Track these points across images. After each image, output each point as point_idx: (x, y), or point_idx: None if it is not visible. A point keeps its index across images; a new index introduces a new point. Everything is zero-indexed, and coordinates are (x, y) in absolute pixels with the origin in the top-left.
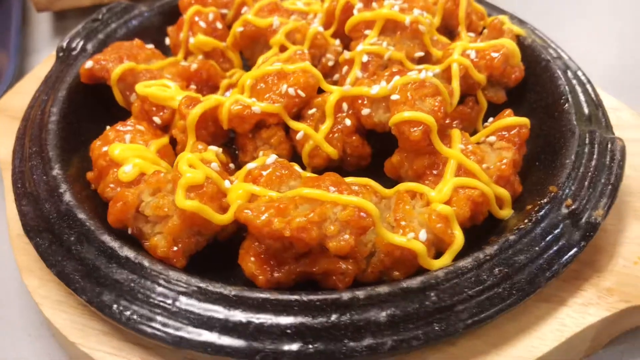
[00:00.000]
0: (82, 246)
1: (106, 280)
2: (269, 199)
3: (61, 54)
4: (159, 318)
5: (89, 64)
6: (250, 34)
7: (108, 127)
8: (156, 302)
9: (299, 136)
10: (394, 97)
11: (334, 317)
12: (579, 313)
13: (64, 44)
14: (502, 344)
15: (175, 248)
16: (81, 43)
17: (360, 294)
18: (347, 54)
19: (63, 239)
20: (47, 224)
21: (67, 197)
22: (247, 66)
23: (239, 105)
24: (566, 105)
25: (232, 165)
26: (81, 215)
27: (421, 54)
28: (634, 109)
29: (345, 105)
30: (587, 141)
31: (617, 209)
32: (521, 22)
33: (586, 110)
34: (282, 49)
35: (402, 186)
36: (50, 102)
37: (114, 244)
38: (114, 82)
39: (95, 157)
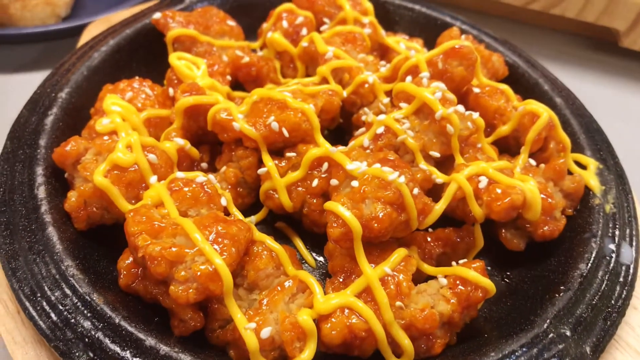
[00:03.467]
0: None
1: None
2: (165, 214)
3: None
4: None
5: (157, 15)
6: (310, 53)
7: (136, 77)
8: None
9: (261, 170)
10: (354, 183)
11: None
12: None
13: None
14: None
15: (82, 211)
16: None
17: None
18: (370, 117)
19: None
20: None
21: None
22: None
23: (225, 114)
24: (560, 295)
25: (204, 165)
26: (42, 142)
27: (437, 155)
28: None
29: (325, 166)
30: (539, 345)
31: None
32: (620, 177)
33: (583, 314)
34: (326, 81)
35: (301, 274)
36: (110, 38)
37: (39, 179)
38: (169, 41)
39: (99, 97)
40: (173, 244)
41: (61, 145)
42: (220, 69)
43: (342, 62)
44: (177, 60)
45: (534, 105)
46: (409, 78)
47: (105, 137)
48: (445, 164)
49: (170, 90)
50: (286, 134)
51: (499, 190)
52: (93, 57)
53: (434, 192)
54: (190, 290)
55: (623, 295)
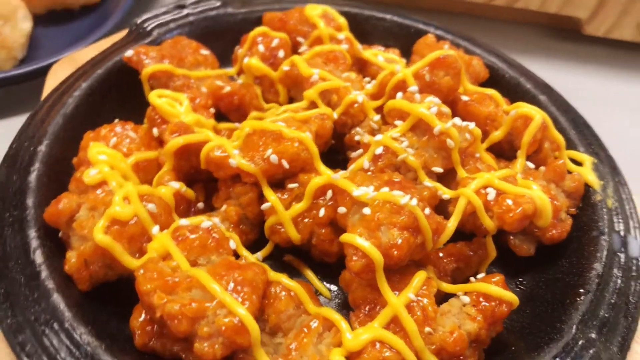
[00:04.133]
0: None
1: None
2: (175, 266)
3: (132, 29)
4: None
5: (129, 53)
6: (293, 76)
7: (117, 120)
8: None
9: (265, 206)
10: (366, 210)
11: None
12: None
13: (138, 21)
14: None
15: (84, 271)
16: (152, 25)
17: None
18: (366, 138)
19: None
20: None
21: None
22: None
23: (219, 151)
24: (580, 298)
25: (200, 205)
26: (29, 202)
27: (440, 170)
28: None
29: (329, 193)
30: (572, 354)
31: None
32: (614, 169)
33: (605, 314)
34: (314, 104)
35: (325, 311)
36: (85, 76)
37: (33, 242)
38: (144, 79)
39: (81, 147)
40: (191, 299)
41: (52, 204)
42: (203, 102)
43: (329, 84)
44: (158, 98)
45: (525, 108)
46: (399, 94)
47: (99, 191)
48: (447, 177)
49: (155, 131)
50: (286, 165)
51: (509, 202)
52: (67, 104)
53: (440, 207)
54: (217, 346)
55: (638, 289)
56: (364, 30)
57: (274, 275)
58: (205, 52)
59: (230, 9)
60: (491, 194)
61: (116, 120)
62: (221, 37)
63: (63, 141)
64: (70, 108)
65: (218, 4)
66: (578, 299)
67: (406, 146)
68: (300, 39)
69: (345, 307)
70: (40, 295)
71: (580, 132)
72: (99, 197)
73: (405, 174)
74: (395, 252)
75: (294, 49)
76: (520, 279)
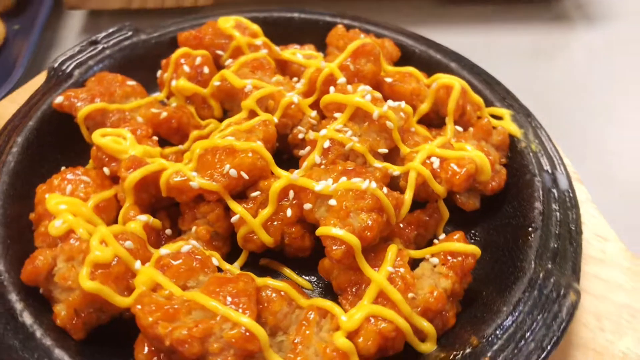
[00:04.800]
0: None
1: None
2: (169, 294)
3: (50, 74)
4: None
5: (59, 99)
6: (226, 90)
7: (63, 168)
8: None
9: (234, 219)
10: (332, 202)
11: None
12: None
13: (55, 65)
14: None
15: (76, 319)
16: (71, 67)
17: None
18: (311, 135)
19: None
20: None
21: None
22: (229, 116)
23: (179, 176)
24: (532, 236)
25: (168, 231)
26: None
27: (385, 151)
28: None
29: (291, 193)
30: (535, 287)
31: None
32: (528, 116)
33: (554, 244)
34: (253, 113)
35: (317, 302)
36: (19, 131)
37: (17, 305)
38: (81, 121)
39: (37, 202)
40: (195, 321)
41: (26, 264)
42: (144, 132)
43: (264, 91)
44: (102, 137)
45: (444, 78)
46: (332, 89)
47: (72, 240)
48: (391, 156)
49: (106, 170)
50: (245, 176)
51: (454, 166)
52: (8, 162)
53: (392, 184)
54: (229, 359)
55: (575, 217)
56: (276, 32)
57: (260, 280)
58: (131, 82)
59: (143, 35)
60: (435, 162)
61: (63, 168)
62: (141, 64)
63: (15, 199)
64: (12, 165)
65: (130, 33)
66: (529, 237)
67: (350, 135)
68: (219, 52)
69: (329, 293)
70: (41, 355)
71: (493, 90)
72: (74, 246)
73: (354, 160)
74: (369, 234)
75: (216, 62)
76: (473, 232)
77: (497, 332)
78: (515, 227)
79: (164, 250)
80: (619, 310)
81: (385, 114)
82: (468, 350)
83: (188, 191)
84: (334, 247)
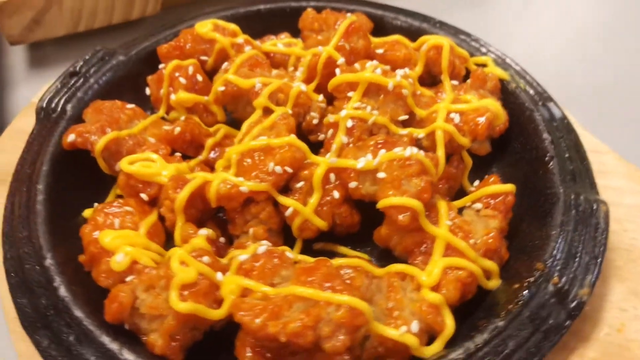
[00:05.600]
0: (82, 346)
1: None
2: (262, 295)
3: (41, 115)
4: None
5: (71, 137)
6: (232, 93)
7: (96, 204)
8: None
9: (288, 212)
10: (381, 174)
11: None
12: None
13: (43, 104)
14: None
15: (173, 343)
16: (61, 103)
17: None
18: (331, 118)
19: (62, 338)
20: (45, 320)
21: (62, 291)
22: (231, 119)
23: (227, 185)
24: (551, 164)
25: (222, 239)
26: (78, 313)
27: (405, 117)
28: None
29: (332, 176)
30: (571, 207)
31: None
32: (505, 59)
33: (570, 167)
34: (266, 109)
35: (393, 267)
36: (34, 177)
37: (114, 346)
38: (99, 154)
39: (86, 244)
40: (301, 312)
41: (107, 305)
42: (165, 151)
43: (273, 87)
44: (130, 165)
45: (432, 39)
46: (337, 70)
47: (147, 270)
48: (409, 121)
49: (143, 196)
50: (289, 170)
51: (477, 118)
52: (38, 212)
53: (417, 146)
54: (341, 337)
55: (576, 139)
56: (247, 27)
57: (334, 261)
58: (130, 105)
59: (120, 56)
60: (456, 118)
61: (95, 205)
62: (125, 85)
63: (60, 247)
64: (44, 214)
65: (105, 56)
66: (549, 166)
67: (370, 110)
68: (203, 58)
69: (383, 260)
70: None
71: (465, 41)
72: (152, 274)
73: (378, 132)
74: (425, 195)
75: (204, 68)
76: (494, 170)
77: (555, 254)
78: (529, 160)
79: (243, 256)
80: (634, 211)
81: (399, 83)
82: (537, 275)
83: (238, 196)
84: (400, 216)
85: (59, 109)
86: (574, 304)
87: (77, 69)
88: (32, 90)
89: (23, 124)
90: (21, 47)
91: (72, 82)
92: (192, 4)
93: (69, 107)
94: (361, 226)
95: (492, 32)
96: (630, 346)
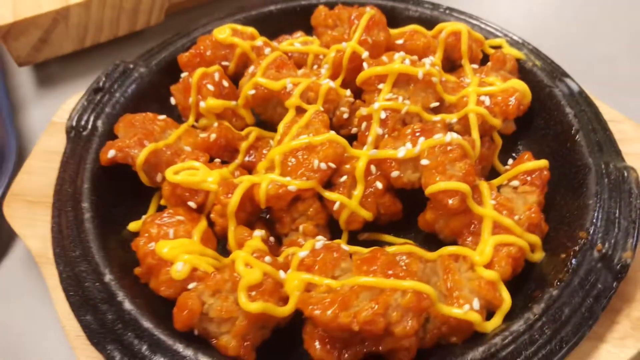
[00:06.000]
0: (156, 355)
1: None
2: (327, 288)
3: (72, 134)
4: None
5: (111, 153)
6: (262, 96)
7: (144, 217)
8: None
9: (336, 207)
10: (424, 161)
11: None
12: (617, 347)
13: (73, 123)
14: None
15: (245, 344)
16: (91, 120)
17: None
18: (364, 111)
19: (134, 350)
20: (113, 334)
21: (127, 305)
22: (259, 120)
23: (276, 185)
24: (577, 136)
25: (271, 239)
26: (147, 324)
27: (436, 104)
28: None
29: (373, 167)
30: (604, 176)
31: None
32: (518, 40)
33: (596, 138)
34: (297, 108)
35: (445, 250)
36: (78, 195)
37: (189, 352)
38: (140, 167)
39: (143, 256)
40: (370, 301)
41: (176, 314)
42: (205, 158)
43: (303, 86)
44: (176, 175)
45: (449, 26)
46: (365, 64)
47: (212, 275)
48: (437, 107)
49: (191, 204)
50: (333, 165)
51: (508, 99)
52: (88, 229)
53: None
54: (410, 321)
55: (595, 110)
56: (261, 29)
57: (388, 250)
58: (161, 116)
59: (142, 68)
60: (486, 100)
61: (144, 217)
62: (150, 97)
63: (115, 262)
64: (94, 231)
65: (127, 70)
66: (576, 138)
67: (401, 100)
68: (225, 63)
69: (426, 244)
70: None
71: (478, 26)
72: (217, 279)
73: (411, 121)
74: (471, 178)
75: (226, 73)
76: (520, 147)
77: (595, 222)
78: (554, 135)
79: (303, 253)
80: None
81: (429, 71)
82: (581, 243)
83: (287, 196)
84: (450, 200)
85: (89, 126)
86: (619, 266)
87: (101, 84)
88: (43, 110)
89: (48, 144)
90: (27, 68)
91: (98, 98)
92: (195, 10)
93: (99, 123)
94: (403, 216)
95: (492, 12)
96: None
